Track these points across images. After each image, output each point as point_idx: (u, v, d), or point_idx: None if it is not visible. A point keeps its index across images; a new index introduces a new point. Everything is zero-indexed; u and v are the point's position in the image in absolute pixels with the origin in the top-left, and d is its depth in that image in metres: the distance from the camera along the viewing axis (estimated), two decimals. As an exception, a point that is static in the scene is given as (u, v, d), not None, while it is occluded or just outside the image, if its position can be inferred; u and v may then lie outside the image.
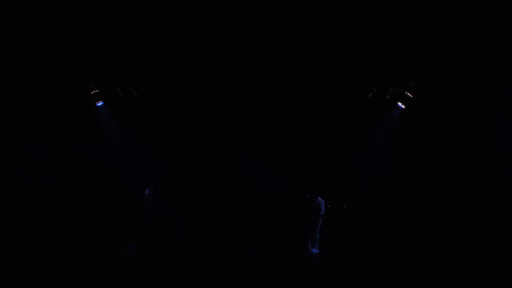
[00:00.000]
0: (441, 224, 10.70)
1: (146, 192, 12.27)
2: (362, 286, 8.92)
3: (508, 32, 9.25)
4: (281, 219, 13.08)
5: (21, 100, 10.47)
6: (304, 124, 13.27)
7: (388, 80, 11.79)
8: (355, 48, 10.70)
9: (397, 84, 11.90)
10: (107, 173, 12.61)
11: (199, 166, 13.39)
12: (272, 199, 13.18)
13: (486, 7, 9.30)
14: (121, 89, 12.07)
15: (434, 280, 8.26)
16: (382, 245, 11.60)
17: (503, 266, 8.55)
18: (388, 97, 12.15)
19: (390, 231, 11.97)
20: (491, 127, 9.90)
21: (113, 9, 9.88)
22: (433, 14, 9.73)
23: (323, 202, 11.92)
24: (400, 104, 12.20)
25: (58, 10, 9.77)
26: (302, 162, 13.29)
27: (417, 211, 11.32)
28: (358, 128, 13.03)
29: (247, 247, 11.79)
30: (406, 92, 11.90)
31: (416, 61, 10.82)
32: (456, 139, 10.69)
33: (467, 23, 9.62)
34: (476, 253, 9.22)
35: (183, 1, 9.91)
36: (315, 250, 11.89)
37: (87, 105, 11.95)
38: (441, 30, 10.01)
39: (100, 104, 12.31)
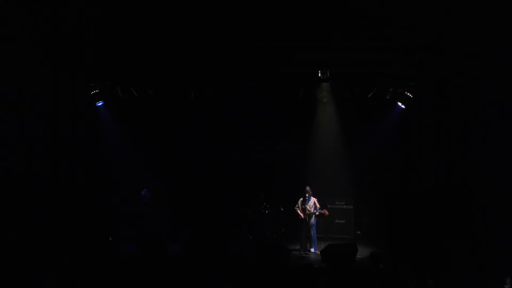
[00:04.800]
0: (441, 224, 10.71)
1: (142, 192, 12.29)
2: (362, 286, 8.90)
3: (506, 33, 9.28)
4: (280, 218, 13.08)
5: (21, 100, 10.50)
6: (304, 124, 13.28)
7: (388, 80, 11.79)
8: (356, 48, 10.70)
9: (397, 84, 11.89)
10: (107, 172, 12.62)
11: (199, 166, 13.40)
12: (271, 199, 13.17)
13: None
14: (121, 89, 12.09)
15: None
16: (381, 245, 11.61)
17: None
18: (388, 97, 12.13)
19: (389, 230, 11.97)
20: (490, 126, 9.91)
21: (113, 9, 9.89)
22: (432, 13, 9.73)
23: (316, 201, 11.95)
24: (400, 104, 12.18)
25: (58, 10, 9.80)
26: (302, 162, 13.28)
27: (416, 210, 11.31)
28: (358, 128, 13.01)
29: (246, 247, 11.77)
30: (406, 92, 11.88)
31: (416, 61, 10.82)
32: (454, 138, 10.71)
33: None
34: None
35: (183, 1, 9.92)
36: (314, 250, 11.88)
37: (87, 105, 11.97)
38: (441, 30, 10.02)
39: (100, 104, 12.33)
